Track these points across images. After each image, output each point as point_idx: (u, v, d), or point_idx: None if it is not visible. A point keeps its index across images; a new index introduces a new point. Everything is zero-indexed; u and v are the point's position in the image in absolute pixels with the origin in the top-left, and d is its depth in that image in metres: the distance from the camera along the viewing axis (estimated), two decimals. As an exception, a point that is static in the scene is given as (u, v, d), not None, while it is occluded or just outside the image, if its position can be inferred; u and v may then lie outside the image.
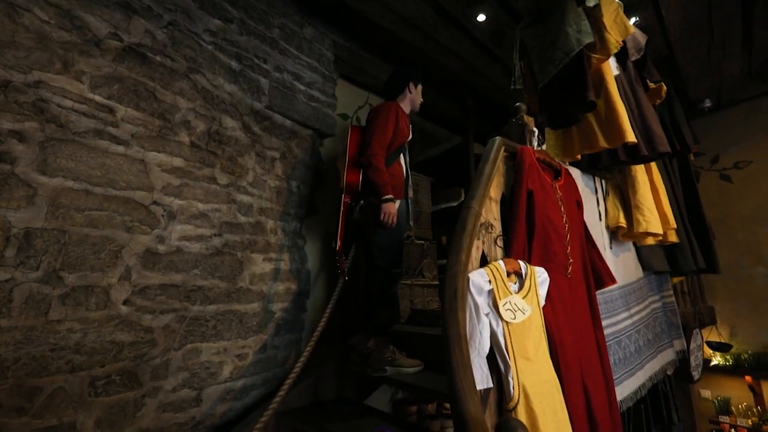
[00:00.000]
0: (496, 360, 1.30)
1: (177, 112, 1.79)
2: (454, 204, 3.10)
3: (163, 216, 1.69)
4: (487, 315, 1.33)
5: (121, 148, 1.57)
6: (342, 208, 1.98)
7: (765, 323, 3.72)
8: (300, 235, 2.46)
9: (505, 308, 1.37)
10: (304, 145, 2.51)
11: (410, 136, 2.16)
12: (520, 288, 1.47)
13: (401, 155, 2.12)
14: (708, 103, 3.82)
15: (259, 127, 2.21)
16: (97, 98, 1.52)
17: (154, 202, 1.67)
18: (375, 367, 1.87)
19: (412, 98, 2.23)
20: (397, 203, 1.96)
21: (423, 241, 2.82)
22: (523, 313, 1.40)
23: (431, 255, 2.88)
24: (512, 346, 1.32)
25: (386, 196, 1.86)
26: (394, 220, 1.88)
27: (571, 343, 1.56)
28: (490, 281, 1.36)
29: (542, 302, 1.51)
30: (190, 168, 1.83)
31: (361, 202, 1.96)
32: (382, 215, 1.85)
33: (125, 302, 1.56)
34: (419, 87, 2.26)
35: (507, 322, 1.34)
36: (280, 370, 2.21)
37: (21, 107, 1.35)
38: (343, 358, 2.26)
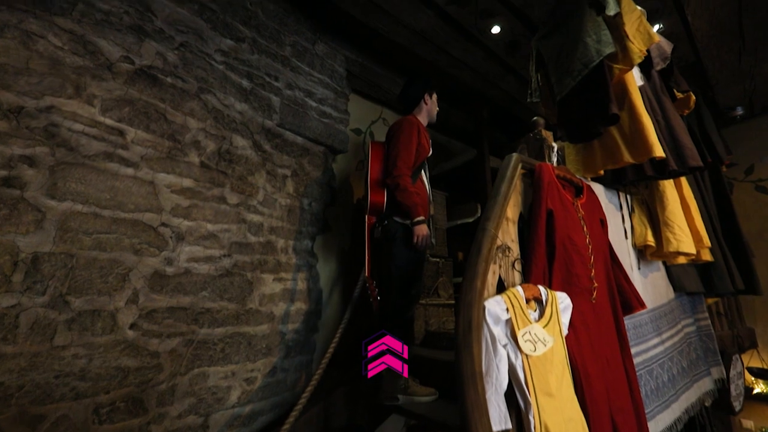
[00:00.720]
0: (514, 396, 1.20)
1: (187, 132, 1.79)
2: (470, 220, 3.00)
3: (171, 238, 1.68)
4: (505, 346, 1.24)
5: (130, 171, 1.57)
6: (367, 231, 1.92)
7: (812, 346, 3.43)
8: (312, 254, 2.42)
9: (525, 339, 1.27)
10: (316, 162, 2.48)
11: (430, 152, 2.11)
12: (541, 316, 1.36)
13: (422, 172, 2.07)
14: (740, 111, 3.62)
15: (270, 145, 2.20)
16: (108, 121, 1.52)
17: (163, 224, 1.65)
18: (387, 395, 1.79)
19: (428, 109, 2.18)
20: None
21: (438, 259, 2.73)
22: (545, 345, 1.29)
23: (446, 273, 2.78)
24: (533, 381, 1.22)
25: (418, 218, 1.81)
26: (428, 242, 1.83)
27: (597, 375, 1.44)
28: (507, 309, 1.27)
29: (565, 331, 1.40)
30: (200, 188, 1.81)
31: (385, 222, 1.91)
32: (415, 238, 1.80)
33: (132, 326, 1.53)
34: (434, 96, 2.21)
35: (527, 355, 1.24)
36: (290, 394, 2.14)
37: (32, 132, 1.36)
38: (355, 383, 2.18)
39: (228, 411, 1.81)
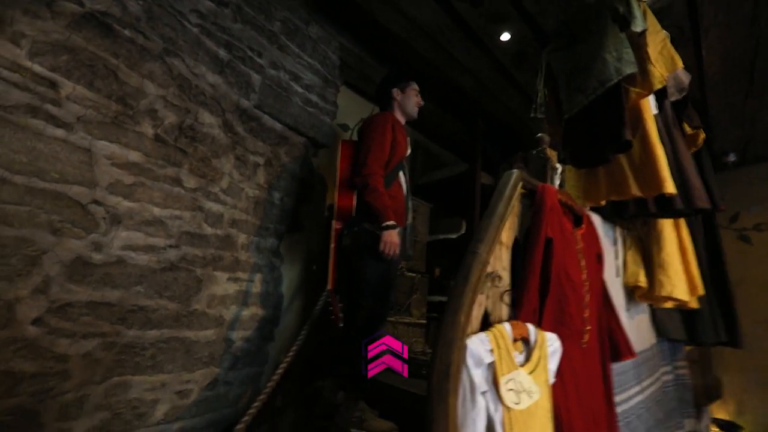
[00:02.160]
0: (488, 459, 0.99)
1: (143, 97, 1.52)
2: (453, 236, 2.82)
3: (104, 219, 1.40)
4: (484, 395, 1.03)
5: (60, 132, 1.29)
6: (333, 238, 1.70)
7: (777, 402, 3.40)
8: (277, 254, 2.17)
9: (508, 388, 1.07)
10: (295, 153, 2.24)
11: (409, 151, 1.90)
12: (527, 359, 1.17)
13: (400, 173, 1.85)
14: (732, 157, 3.60)
15: (243, 128, 1.94)
16: (37, 68, 1.24)
17: (95, 201, 1.38)
18: (339, 426, 1.55)
19: (400, 103, 1.95)
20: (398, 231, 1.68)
21: (414, 274, 2.53)
22: (530, 397, 1.10)
23: (421, 290, 2.59)
24: (512, 441, 1.01)
25: (387, 223, 1.59)
26: (397, 250, 1.61)
27: (582, 433, 1.25)
28: (492, 351, 1.07)
29: (552, 379, 1.21)
30: (150, 165, 1.54)
31: (355, 228, 1.68)
32: (382, 245, 1.58)
33: (36, 322, 1.25)
34: (410, 89, 1.96)
35: (508, 408, 1.03)
36: (231, 410, 1.88)
37: (-71, 67, 1.08)
38: (309, 404, 1.93)
39: (150, 429, 1.53)
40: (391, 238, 1.59)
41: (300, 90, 2.21)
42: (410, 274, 2.49)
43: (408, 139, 1.90)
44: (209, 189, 1.78)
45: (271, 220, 2.10)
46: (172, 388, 1.63)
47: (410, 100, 1.95)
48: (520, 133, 3.40)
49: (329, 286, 1.64)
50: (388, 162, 1.74)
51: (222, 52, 1.82)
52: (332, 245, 1.70)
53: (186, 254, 1.69)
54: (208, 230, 1.78)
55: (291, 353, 1.66)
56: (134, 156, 1.49)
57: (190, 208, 1.70)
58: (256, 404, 1.49)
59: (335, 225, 1.74)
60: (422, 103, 2.00)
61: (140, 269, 1.52)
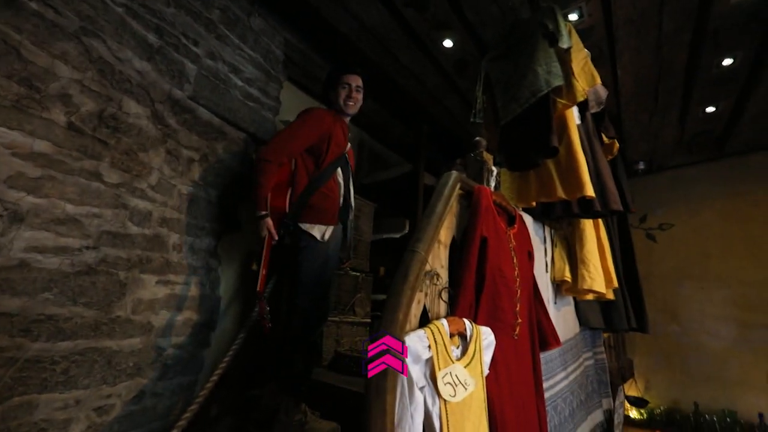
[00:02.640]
0: (424, 449, 1.02)
1: (53, 80, 1.35)
2: (397, 236, 2.87)
3: (1, 216, 1.22)
4: (422, 389, 1.06)
5: (-57, 116, 1.11)
6: (266, 239, 1.63)
7: (675, 379, 3.90)
8: (214, 255, 2.04)
9: (445, 381, 1.10)
10: (234, 149, 2.13)
11: (347, 146, 1.86)
12: (463, 353, 1.22)
13: (338, 170, 1.80)
14: (642, 166, 4.07)
15: (175, 120, 1.81)
16: None
17: (-10, 197, 1.20)
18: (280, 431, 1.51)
19: (333, 100, 1.86)
20: (329, 230, 1.66)
21: (358, 273, 2.52)
22: (465, 388, 1.14)
23: (365, 289, 2.59)
24: (449, 432, 1.05)
25: (261, 213, 1.62)
26: (274, 237, 1.63)
27: (513, 421, 1.33)
28: (430, 347, 1.10)
29: (486, 370, 1.27)
30: (62, 157, 1.38)
31: (291, 228, 1.63)
32: (261, 231, 1.62)
33: None
34: (339, 85, 1.84)
35: (445, 400, 1.07)
36: (160, 423, 1.74)
37: None
38: (247, 411, 1.85)
39: (62, 452, 1.37)
40: (267, 226, 1.62)
41: (240, 83, 2.11)
42: (354, 273, 2.48)
43: (348, 135, 1.86)
44: (135, 185, 1.63)
45: (207, 218, 1.98)
46: (90, 404, 1.47)
47: (338, 96, 1.83)
48: (462, 136, 3.56)
49: (258, 289, 1.59)
50: (319, 158, 1.71)
51: (152, 37, 1.68)
52: (265, 246, 1.64)
53: (106, 256, 1.53)
54: (134, 230, 1.64)
55: (227, 359, 1.58)
56: (41, 146, 1.32)
57: (111, 205, 1.54)
58: (186, 415, 1.39)
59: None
60: (353, 97, 1.85)
61: (49, 273, 1.35)
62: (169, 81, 1.77)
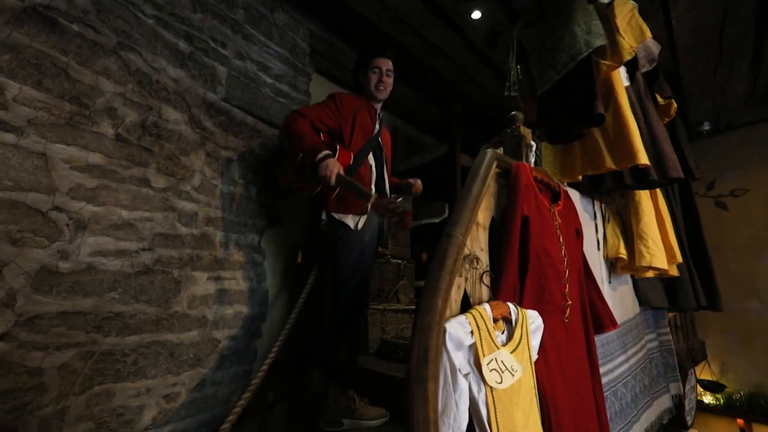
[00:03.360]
0: (474, 437, 1.00)
1: (99, 96, 1.45)
2: (437, 221, 2.81)
3: (68, 225, 1.34)
4: (466, 376, 1.03)
5: (10, 137, 1.22)
6: (331, 177, 1.48)
7: (757, 361, 3.53)
8: (258, 250, 2.13)
9: (490, 368, 1.07)
10: (269, 146, 2.18)
11: (376, 130, 1.81)
12: (509, 338, 1.17)
13: (370, 156, 1.75)
14: (707, 126, 3.65)
15: (212, 122, 1.88)
16: (-23, 71, 1.17)
17: (56, 208, 1.32)
18: (329, 419, 1.55)
19: (364, 86, 1.81)
20: (362, 219, 1.64)
21: (399, 261, 2.51)
22: (512, 375, 1.10)
23: (408, 276, 2.58)
24: (496, 420, 1.02)
25: (321, 155, 1.46)
26: (332, 177, 1.45)
27: (567, 406, 1.27)
28: (472, 333, 1.06)
29: (534, 355, 1.22)
30: (113, 167, 1.48)
31: (323, 218, 1.65)
32: (321, 172, 1.44)
33: (3, 337, 1.20)
34: (369, 69, 1.80)
35: (491, 387, 1.04)
36: (222, 409, 1.85)
37: None
38: (298, 398, 1.93)
39: (138, 435, 1.50)
40: (329, 167, 1.44)
41: (269, 80, 2.14)
42: (395, 260, 2.48)
43: (376, 121, 1.82)
44: (180, 188, 1.72)
45: (250, 215, 2.05)
46: (158, 392, 1.60)
47: (369, 81, 1.79)
48: (499, 113, 3.39)
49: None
50: (342, 143, 1.68)
51: (182, 44, 1.75)
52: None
53: (161, 256, 1.64)
54: (183, 230, 1.73)
55: (275, 348, 1.65)
56: (95, 158, 1.42)
57: (161, 208, 1.64)
58: (241, 402, 1.47)
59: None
60: (384, 81, 1.81)
61: (113, 275, 1.47)
62: (203, 85, 1.84)
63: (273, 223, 2.20)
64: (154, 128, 1.62)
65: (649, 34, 1.57)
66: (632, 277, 2.28)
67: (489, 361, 1.06)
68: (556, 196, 1.55)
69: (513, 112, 1.61)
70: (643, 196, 1.99)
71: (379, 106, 1.86)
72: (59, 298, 1.32)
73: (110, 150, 1.47)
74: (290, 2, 2.28)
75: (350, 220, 1.62)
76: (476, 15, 2.30)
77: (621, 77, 1.70)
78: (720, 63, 2.70)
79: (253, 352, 2.04)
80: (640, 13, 1.70)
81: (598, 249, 2.01)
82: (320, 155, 1.46)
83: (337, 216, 1.61)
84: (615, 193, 2.09)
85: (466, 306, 1.15)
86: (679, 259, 2.03)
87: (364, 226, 1.63)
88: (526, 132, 1.57)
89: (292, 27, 2.31)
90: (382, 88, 1.80)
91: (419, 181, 1.96)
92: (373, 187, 1.73)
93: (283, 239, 2.29)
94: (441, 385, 0.97)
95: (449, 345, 1.00)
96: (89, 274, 1.40)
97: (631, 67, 1.87)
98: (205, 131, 1.84)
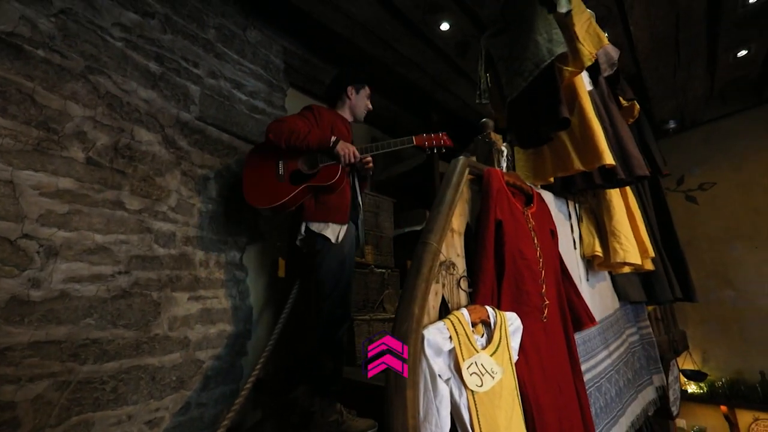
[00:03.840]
0: (457, 443, 1.01)
1: (68, 120, 1.43)
2: (418, 228, 2.84)
3: (38, 252, 1.31)
4: (447, 381, 1.04)
5: (-26, 166, 1.20)
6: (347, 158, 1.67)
7: (736, 347, 3.65)
8: (240, 266, 2.11)
9: (470, 372, 1.08)
10: (247, 162, 2.18)
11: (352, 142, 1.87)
12: (489, 341, 1.19)
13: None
14: (672, 124, 3.81)
15: (186, 141, 1.87)
16: (-62, 100, 1.15)
17: (25, 235, 1.29)
18: (317, 432, 1.54)
19: (352, 105, 1.89)
20: (342, 228, 1.66)
21: (384, 270, 2.53)
22: (492, 377, 1.12)
23: (393, 284, 2.59)
24: (479, 422, 1.03)
25: (332, 140, 1.63)
26: (352, 157, 1.64)
27: (549, 405, 1.29)
28: (451, 338, 1.08)
29: (515, 356, 1.24)
30: (85, 191, 1.46)
31: (302, 231, 1.65)
32: (344, 159, 1.63)
33: (-29, 372, 1.16)
34: (363, 92, 1.91)
35: (472, 391, 1.05)
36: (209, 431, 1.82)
37: None
38: (286, 415, 1.90)
39: (120, 465, 1.46)
40: (345, 149, 1.62)
41: (244, 97, 2.15)
42: (379, 270, 2.49)
43: (351, 133, 1.87)
44: (156, 208, 1.70)
45: (230, 232, 2.04)
46: (141, 418, 1.56)
47: (362, 102, 1.90)
48: (474, 120, 3.47)
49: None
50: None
51: (153, 65, 1.75)
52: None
53: (138, 279, 1.61)
54: (161, 251, 1.71)
55: (258, 365, 1.63)
56: (65, 183, 1.40)
57: (136, 230, 1.62)
58: (225, 423, 1.45)
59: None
60: (371, 107, 1.96)
61: (88, 300, 1.44)
62: (176, 105, 1.83)
63: (254, 239, 2.19)
64: (126, 150, 1.61)
65: (606, 40, 1.65)
66: (610, 273, 2.35)
67: (469, 365, 1.07)
68: (529, 199, 1.59)
69: (483, 120, 1.66)
70: (614, 195, 2.06)
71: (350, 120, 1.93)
72: (31, 327, 1.28)
73: (81, 174, 1.45)
74: (262, 20, 2.31)
75: (330, 232, 1.62)
76: (445, 27, 2.37)
77: (584, 82, 1.77)
78: (678, 65, 2.84)
79: (239, 371, 2.01)
80: (600, 20, 1.79)
81: (575, 248, 2.07)
82: (333, 139, 1.62)
83: (316, 227, 1.61)
84: (588, 192, 2.16)
85: (445, 312, 1.17)
86: (652, 253, 2.10)
87: (343, 237, 1.64)
88: (496, 138, 1.62)
89: (265, 44, 2.34)
90: (366, 113, 1.95)
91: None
92: (356, 200, 1.79)
93: (266, 254, 2.28)
94: (422, 392, 0.98)
95: (428, 351, 1.01)
96: (62, 302, 1.37)
97: (594, 72, 1.95)
98: (180, 150, 1.83)
